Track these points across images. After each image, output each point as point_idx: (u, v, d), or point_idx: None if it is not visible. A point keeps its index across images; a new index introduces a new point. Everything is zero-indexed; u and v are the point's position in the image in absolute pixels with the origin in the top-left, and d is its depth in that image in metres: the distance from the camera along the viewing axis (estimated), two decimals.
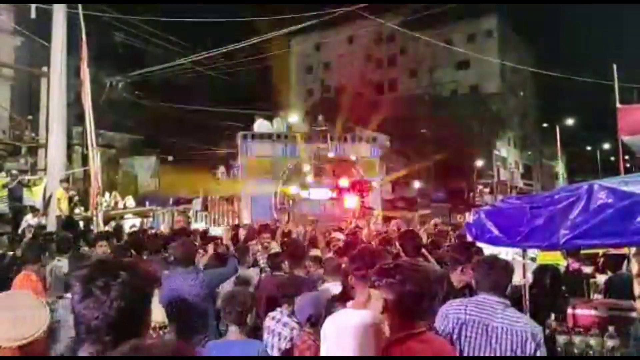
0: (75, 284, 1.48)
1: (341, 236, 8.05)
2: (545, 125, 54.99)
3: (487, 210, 4.06)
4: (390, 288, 2.29)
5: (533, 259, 5.86)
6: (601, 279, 5.75)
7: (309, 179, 15.25)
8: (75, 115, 19.24)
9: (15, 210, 13.36)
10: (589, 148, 56.87)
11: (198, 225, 16.51)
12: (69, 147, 17.82)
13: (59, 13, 13.55)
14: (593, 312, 4.31)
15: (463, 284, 3.89)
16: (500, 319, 3.00)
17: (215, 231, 9.04)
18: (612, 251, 5.68)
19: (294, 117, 19.02)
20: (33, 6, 13.84)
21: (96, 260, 1.59)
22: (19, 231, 11.60)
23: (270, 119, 16.73)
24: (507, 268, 3.23)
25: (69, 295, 3.96)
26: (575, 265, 5.53)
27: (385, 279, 2.32)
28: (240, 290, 4.05)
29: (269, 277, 5.51)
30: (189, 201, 22.44)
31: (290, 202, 14.94)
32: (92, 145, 13.40)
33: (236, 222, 14.53)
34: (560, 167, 43.84)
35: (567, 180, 42.84)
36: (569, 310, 4.32)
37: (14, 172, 15.60)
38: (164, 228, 17.36)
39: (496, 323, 2.99)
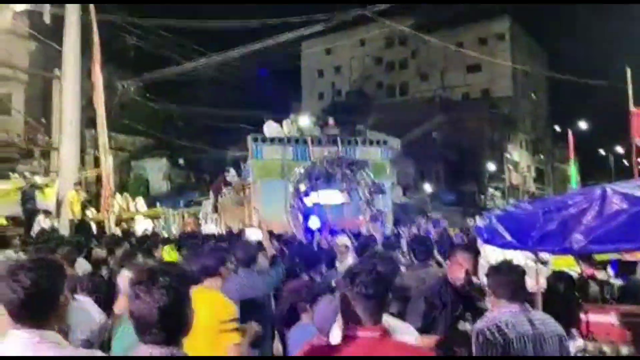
0: (128, 287, 1.84)
1: (346, 240, 7.93)
2: (557, 128, 54.66)
3: (498, 214, 4.02)
4: (350, 293, 2.28)
5: (544, 263, 5.77)
6: (616, 284, 5.68)
7: (319, 182, 15.24)
8: (87, 119, 19.41)
9: (28, 213, 13.47)
10: (602, 151, 56.35)
11: (208, 227, 16.56)
12: (82, 150, 17.95)
13: (72, 17, 13.69)
14: (607, 318, 4.25)
15: None
16: (530, 326, 2.97)
17: (253, 233, 8.92)
18: (627, 256, 5.61)
19: (305, 120, 19.02)
20: (47, 11, 13.99)
21: (142, 268, 1.96)
22: (32, 234, 11.69)
23: (280, 122, 16.74)
24: (523, 273, 3.18)
25: (80, 297, 4.00)
26: (589, 270, 5.47)
27: (350, 284, 2.29)
28: (307, 283, 4.52)
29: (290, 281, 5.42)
30: (199, 203, 22.53)
31: (300, 205, 14.93)
32: (104, 148, 13.52)
33: (247, 224, 14.56)
34: (572, 171, 43.45)
35: (580, 184, 42.47)
36: (583, 317, 4.27)
37: (27, 174, 15.76)
38: (174, 230, 17.44)
39: (531, 331, 2.96)
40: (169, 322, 1.77)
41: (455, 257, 3.94)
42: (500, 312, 3.08)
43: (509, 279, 3.06)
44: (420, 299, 3.78)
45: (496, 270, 3.19)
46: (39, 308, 1.91)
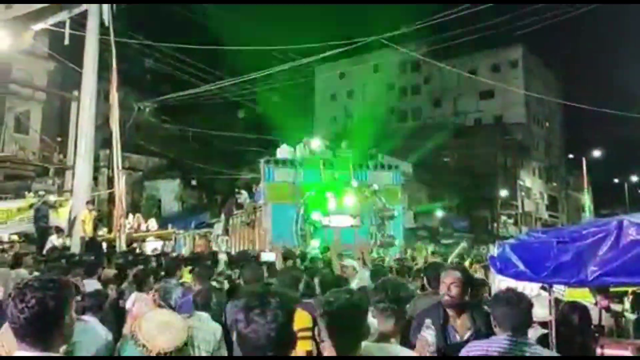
0: (238, 313, 1.86)
1: (354, 263, 7.93)
2: (571, 156, 54.40)
3: (512, 243, 3.96)
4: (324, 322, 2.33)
5: (557, 299, 5.67)
6: (631, 317, 5.55)
7: (330, 205, 15.19)
8: (102, 139, 19.64)
9: (41, 230, 13.56)
10: (616, 180, 55.87)
11: (219, 249, 16.52)
12: (96, 169, 18.16)
13: (92, 39, 13.96)
14: (623, 352, 4.14)
15: None
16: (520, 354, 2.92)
17: (266, 256, 9.05)
18: None
19: (317, 143, 19.08)
20: (67, 32, 14.28)
21: (248, 292, 1.94)
22: (44, 252, 11.75)
23: (293, 145, 16.81)
24: (528, 304, 3.13)
25: (86, 317, 3.98)
26: (604, 302, 5.35)
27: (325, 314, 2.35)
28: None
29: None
30: (211, 225, 22.53)
31: (311, 228, 14.86)
32: (117, 168, 13.63)
33: (257, 247, 14.51)
34: (586, 199, 43.04)
35: (594, 213, 42.02)
36: (598, 350, 4.17)
37: (41, 192, 15.90)
38: (185, 251, 17.44)
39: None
40: (281, 342, 1.82)
41: (441, 277, 3.93)
42: (496, 340, 3.05)
43: (512, 311, 3.00)
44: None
45: (500, 300, 3.15)
46: (44, 328, 1.91)
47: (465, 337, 3.67)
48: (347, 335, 2.28)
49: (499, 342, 3.03)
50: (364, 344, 2.80)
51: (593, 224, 3.59)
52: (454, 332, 3.74)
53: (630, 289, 5.84)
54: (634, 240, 3.10)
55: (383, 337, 2.78)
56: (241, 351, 1.85)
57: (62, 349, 2.77)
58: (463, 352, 3.17)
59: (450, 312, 3.79)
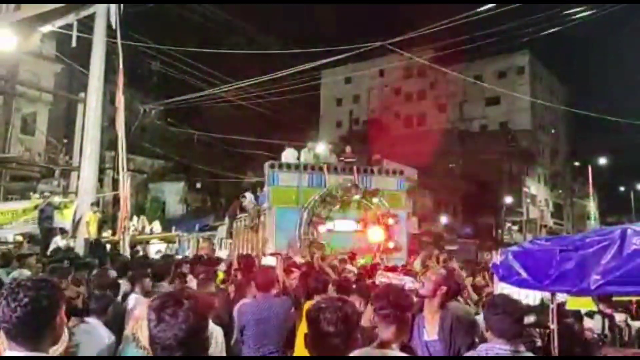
0: (150, 312, 1.85)
1: (353, 268, 7.97)
2: (577, 163, 54.17)
3: (515, 251, 3.95)
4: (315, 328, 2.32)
5: (562, 304, 5.64)
6: (636, 325, 5.52)
7: (335, 210, 15.17)
8: (108, 140, 19.72)
9: (45, 231, 13.59)
10: (622, 188, 55.61)
11: (222, 253, 16.55)
12: (101, 171, 18.22)
13: (99, 42, 14.03)
14: None
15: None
16: None
17: (266, 260, 9.02)
18: None
19: (322, 148, 19.08)
20: (74, 35, 14.35)
21: (164, 293, 1.99)
22: (48, 252, 11.78)
23: (298, 149, 16.81)
24: (521, 309, 3.10)
25: (89, 319, 4.00)
26: (607, 311, 5.32)
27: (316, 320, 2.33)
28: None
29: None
30: (215, 228, 22.57)
31: (315, 233, 14.84)
32: (123, 170, 13.67)
33: (260, 251, 14.51)
34: (592, 207, 42.88)
35: (599, 220, 41.85)
36: None
37: (46, 193, 15.96)
38: (189, 254, 17.48)
39: None
40: (191, 345, 1.80)
41: None
42: (486, 347, 3.02)
43: (503, 316, 2.95)
44: None
45: (491, 305, 3.11)
46: (36, 327, 1.91)
47: (431, 338, 3.73)
48: (337, 343, 2.23)
49: (496, 346, 2.96)
50: (364, 349, 2.79)
51: (596, 232, 3.58)
52: (423, 329, 3.79)
53: (633, 298, 5.81)
54: (638, 250, 3.09)
55: (383, 344, 2.77)
56: (152, 352, 1.85)
57: (60, 350, 2.79)
58: None
59: (426, 309, 3.83)
